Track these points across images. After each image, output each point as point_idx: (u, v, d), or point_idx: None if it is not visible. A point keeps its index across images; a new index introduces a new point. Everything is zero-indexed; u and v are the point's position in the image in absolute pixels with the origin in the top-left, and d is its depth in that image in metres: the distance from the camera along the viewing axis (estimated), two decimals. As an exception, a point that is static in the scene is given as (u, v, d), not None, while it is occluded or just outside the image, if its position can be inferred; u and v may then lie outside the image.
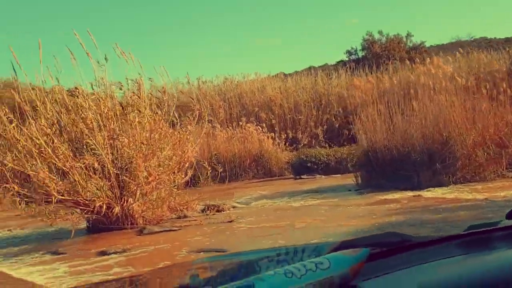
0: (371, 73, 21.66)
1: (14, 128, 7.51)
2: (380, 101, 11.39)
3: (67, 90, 8.61)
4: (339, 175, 13.98)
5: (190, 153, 8.21)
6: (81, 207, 7.62)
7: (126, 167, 7.80)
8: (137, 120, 7.95)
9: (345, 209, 7.60)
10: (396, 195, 8.51)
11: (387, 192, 8.85)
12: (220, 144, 16.93)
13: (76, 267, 5.45)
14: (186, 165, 8.33)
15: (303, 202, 8.99)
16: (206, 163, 7.96)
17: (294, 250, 1.03)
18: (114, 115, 7.96)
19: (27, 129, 7.54)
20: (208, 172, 8.09)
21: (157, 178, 7.56)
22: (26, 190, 7.46)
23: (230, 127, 18.20)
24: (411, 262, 1.03)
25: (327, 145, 18.64)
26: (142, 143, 7.87)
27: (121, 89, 8.25)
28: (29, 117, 7.63)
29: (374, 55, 27.99)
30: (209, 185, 13.21)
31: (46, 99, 7.76)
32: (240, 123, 18.42)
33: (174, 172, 8.24)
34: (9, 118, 7.62)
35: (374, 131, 10.49)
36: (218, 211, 8.83)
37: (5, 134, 7.50)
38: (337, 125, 20.17)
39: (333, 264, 0.88)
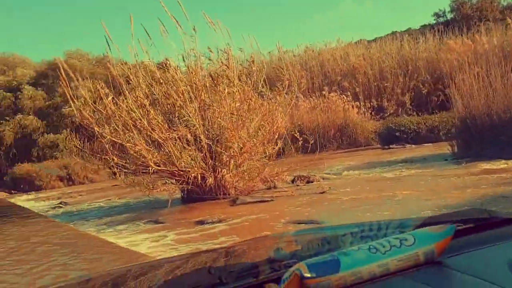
0: (461, 36, 20.30)
1: (110, 102, 7.76)
2: (476, 64, 10.59)
3: (158, 63, 8.76)
4: (430, 144, 13.37)
5: (280, 124, 8.09)
6: (176, 178, 7.79)
7: (217, 138, 7.85)
8: (226, 91, 7.92)
9: (447, 180, 7.14)
10: (501, 164, 7.89)
11: (489, 161, 8.22)
12: (303, 115, 16.73)
13: (181, 235, 5.55)
14: (276, 136, 8.23)
15: (397, 173, 8.61)
16: (298, 133, 7.79)
17: (378, 226, 1.02)
18: (204, 86, 7.98)
19: (122, 102, 7.76)
20: (300, 143, 7.91)
21: (251, 149, 7.53)
22: (124, 161, 7.73)
23: (313, 97, 17.88)
24: (499, 239, 0.98)
25: (414, 113, 17.84)
26: (232, 113, 7.85)
27: (210, 59, 8.24)
28: (124, 91, 7.84)
29: (464, 17, 26.17)
30: (294, 156, 13.11)
31: (140, 72, 7.91)
32: (323, 92, 18.05)
33: (264, 143, 8.18)
34: (105, 93, 7.87)
35: (471, 96, 9.79)
36: (308, 182, 8.70)
37: (103, 108, 7.76)
38: (425, 92, 19.19)
39: (418, 241, 0.87)
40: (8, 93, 21.00)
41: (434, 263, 0.87)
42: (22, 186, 15.93)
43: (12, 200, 13.30)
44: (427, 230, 0.91)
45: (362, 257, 0.82)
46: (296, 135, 7.76)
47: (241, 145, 7.52)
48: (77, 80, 8.38)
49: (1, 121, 20.18)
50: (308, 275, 0.77)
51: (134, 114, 7.61)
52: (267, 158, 8.05)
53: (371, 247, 0.84)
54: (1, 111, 20.82)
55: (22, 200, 13.17)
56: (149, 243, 5.26)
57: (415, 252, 0.85)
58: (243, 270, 0.85)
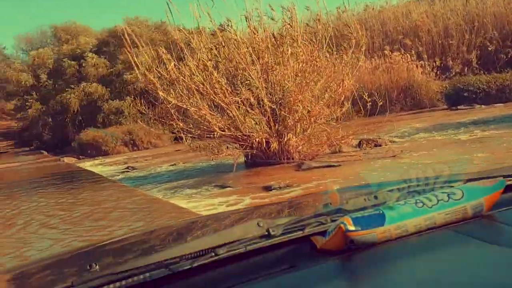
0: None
1: (173, 67, 7.69)
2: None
3: (219, 25, 8.59)
4: (501, 104, 12.70)
5: (347, 86, 7.77)
6: (240, 142, 7.71)
7: (280, 101, 7.65)
8: (290, 51, 7.66)
9: (530, 142, 6.67)
10: None
11: None
12: (364, 76, 16.17)
13: (255, 200, 5.48)
14: (342, 98, 7.93)
15: (471, 135, 8.14)
16: (366, 94, 7.47)
17: (425, 181, 0.99)
18: (266, 48, 7.75)
19: (184, 67, 7.68)
20: (368, 104, 7.59)
21: (318, 112, 7.30)
22: (188, 126, 7.72)
23: (375, 57, 17.23)
24: None
25: (481, 72, 16.87)
26: (296, 74, 7.61)
27: (273, 19, 7.97)
28: (186, 54, 7.75)
29: (538, -34, 24.19)
30: (355, 119, 12.72)
31: (202, 36, 7.78)
32: (385, 52, 17.36)
33: (329, 105, 7.92)
34: (168, 58, 7.81)
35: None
36: (376, 145, 8.40)
37: (167, 74, 7.71)
38: (492, 49, 18.05)
39: (467, 195, 0.85)
40: (73, 61, 21.58)
41: (482, 217, 0.86)
42: (89, 151, 16.51)
43: (81, 165, 13.79)
44: (476, 184, 0.90)
45: (408, 211, 0.82)
46: (364, 96, 7.43)
47: (308, 108, 7.29)
48: (141, 45, 8.34)
49: (67, 89, 20.85)
50: (353, 228, 0.78)
51: (196, 78, 7.53)
52: (334, 121, 7.78)
53: (417, 201, 0.84)
54: (66, 79, 21.48)
55: (90, 165, 13.63)
56: (224, 208, 5.21)
57: (463, 206, 0.84)
58: (290, 223, 0.87)
